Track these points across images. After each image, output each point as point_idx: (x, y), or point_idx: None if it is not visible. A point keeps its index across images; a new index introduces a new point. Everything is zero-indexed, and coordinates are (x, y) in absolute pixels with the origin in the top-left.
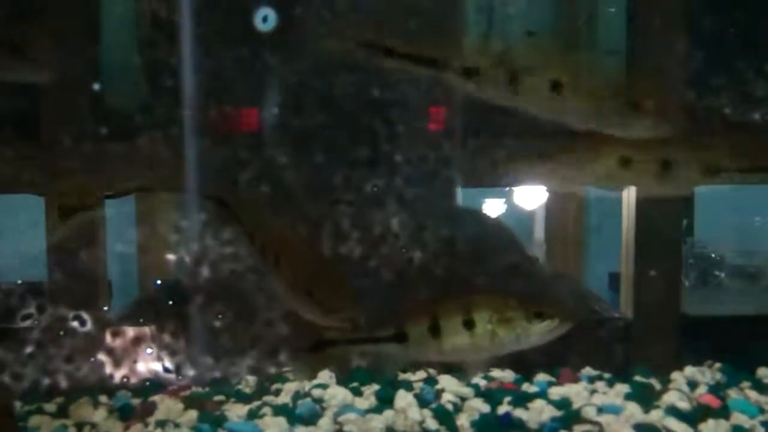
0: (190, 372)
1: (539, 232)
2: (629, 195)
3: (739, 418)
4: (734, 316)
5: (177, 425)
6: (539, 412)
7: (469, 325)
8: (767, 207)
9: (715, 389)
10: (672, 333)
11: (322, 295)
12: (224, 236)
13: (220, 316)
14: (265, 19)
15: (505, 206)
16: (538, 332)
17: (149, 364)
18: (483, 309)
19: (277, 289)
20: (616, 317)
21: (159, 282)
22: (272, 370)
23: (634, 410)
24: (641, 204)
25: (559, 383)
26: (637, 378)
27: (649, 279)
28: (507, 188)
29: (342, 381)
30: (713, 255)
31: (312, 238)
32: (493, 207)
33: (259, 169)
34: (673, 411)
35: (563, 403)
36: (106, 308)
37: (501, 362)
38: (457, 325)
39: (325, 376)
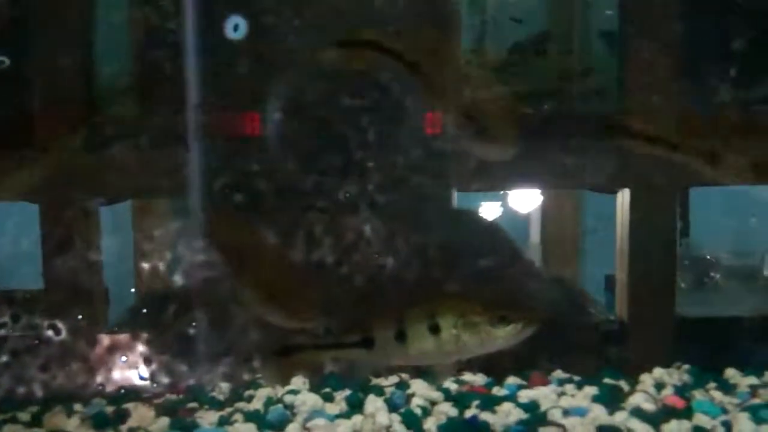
0: (166, 379)
1: (535, 234)
2: (623, 197)
3: (701, 418)
4: (728, 317)
5: None
6: (506, 415)
7: (434, 329)
8: (762, 208)
9: (681, 390)
10: (666, 334)
11: (285, 298)
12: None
13: (196, 323)
14: (236, 28)
15: (501, 209)
16: (502, 336)
17: (126, 372)
18: (448, 314)
19: (240, 294)
20: (611, 319)
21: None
22: (246, 376)
23: (599, 412)
24: (635, 206)
25: (529, 386)
26: (607, 380)
27: (644, 281)
28: (502, 191)
29: (315, 387)
30: (708, 256)
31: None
32: (488, 210)
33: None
34: (637, 412)
35: (531, 406)
36: (80, 317)
37: (471, 366)
38: (422, 330)
39: (299, 382)
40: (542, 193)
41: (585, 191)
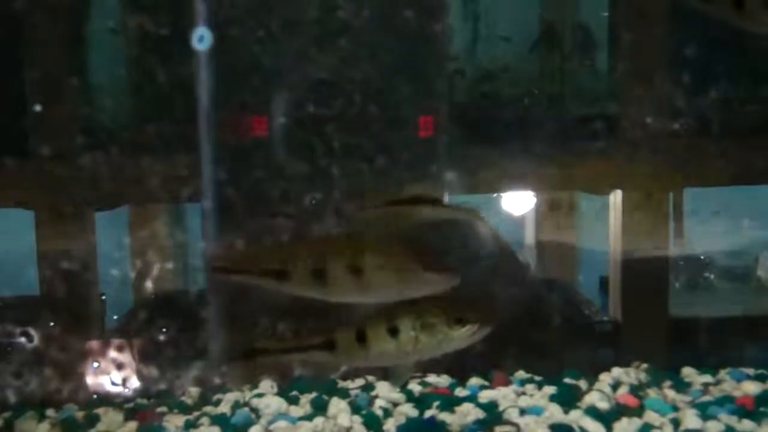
0: (138, 385)
1: (529, 237)
2: (616, 198)
3: (651, 416)
4: (720, 317)
5: None
6: (465, 415)
7: (393, 332)
8: (756, 208)
9: (636, 389)
10: (660, 335)
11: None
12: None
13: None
14: (201, 39)
15: (495, 211)
16: (459, 337)
17: (101, 377)
18: (406, 316)
19: None
20: (605, 320)
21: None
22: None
23: (554, 411)
24: (627, 207)
25: (491, 387)
26: (566, 380)
27: (637, 282)
28: (495, 194)
29: (282, 390)
30: (702, 257)
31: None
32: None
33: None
34: (591, 411)
35: (489, 406)
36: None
37: (436, 367)
38: (382, 333)
39: (267, 386)
40: (536, 195)
41: (578, 193)
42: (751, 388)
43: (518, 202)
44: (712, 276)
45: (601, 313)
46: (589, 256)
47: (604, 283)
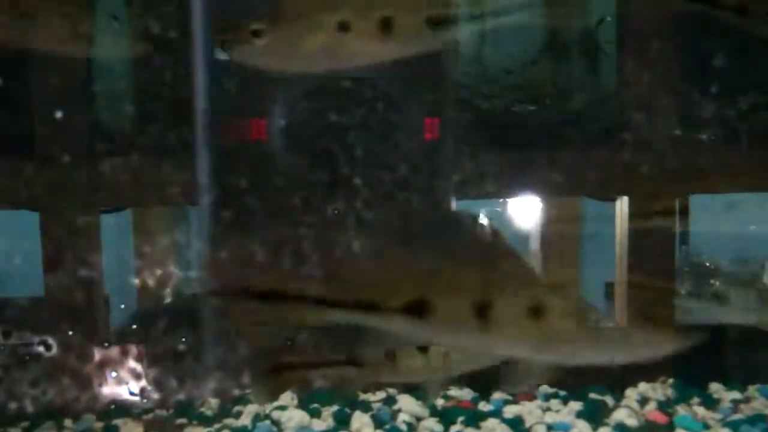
0: (156, 395)
1: (534, 242)
2: (622, 204)
3: None
4: (725, 325)
5: None
6: (491, 430)
7: (422, 348)
8: (762, 215)
9: (664, 405)
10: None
11: None
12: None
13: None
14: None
15: (500, 216)
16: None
17: (116, 386)
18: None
19: None
20: (611, 327)
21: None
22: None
23: (583, 428)
24: (634, 213)
25: (514, 401)
26: (592, 395)
27: (642, 288)
28: (501, 199)
29: (302, 403)
30: (708, 263)
31: None
32: (487, 216)
33: None
34: (621, 428)
35: (515, 422)
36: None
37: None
38: (410, 349)
39: (287, 398)
40: (541, 201)
41: (584, 199)
42: None
43: (522, 207)
44: (717, 283)
45: (605, 320)
46: (595, 262)
47: (609, 289)
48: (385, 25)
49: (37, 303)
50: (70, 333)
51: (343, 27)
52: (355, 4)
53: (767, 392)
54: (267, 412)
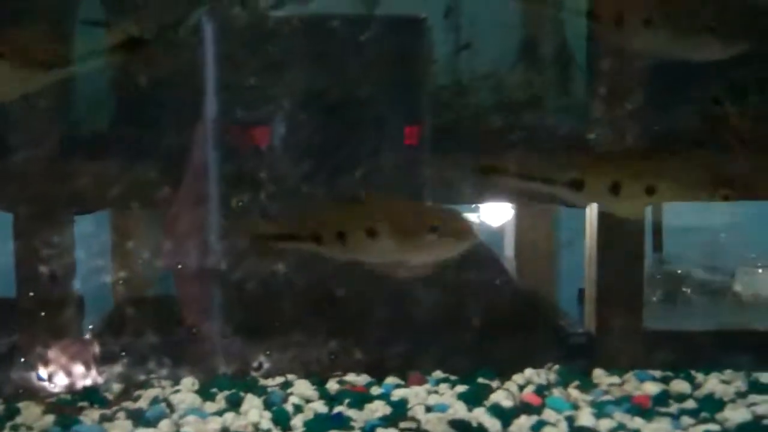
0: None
1: (509, 248)
2: (591, 211)
3: (549, 414)
4: (694, 331)
5: (30, 428)
6: (372, 411)
7: (371, 233)
8: (734, 223)
9: (542, 389)
10: (633, 347)
11: None
12: None
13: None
14: None
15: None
16: (436, 246)
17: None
18: (385, 218)
19: None
20: (580, 332)
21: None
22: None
23: (460, 408)
24: (603, 220)
25: (406, 386)
26: (480, 380)
27: (611, 294)
28: (474, 204)
29: (203, 387)
30: (680, 271)
31: None
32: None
33: None
34: (494, 409)
35: (399, 403)
36: None
37: (357, 367)
38: (360, 234)
39: (188, 383)
40: (514, 207)
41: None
42: (652, 388)
43: (497, 213)
44: (689, 290)
45: (577, 325)
46: (570, 268)
47: (582, 295)
48: None
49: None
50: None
51: None
52: None
53: (642, 377)
54: (166, 395)
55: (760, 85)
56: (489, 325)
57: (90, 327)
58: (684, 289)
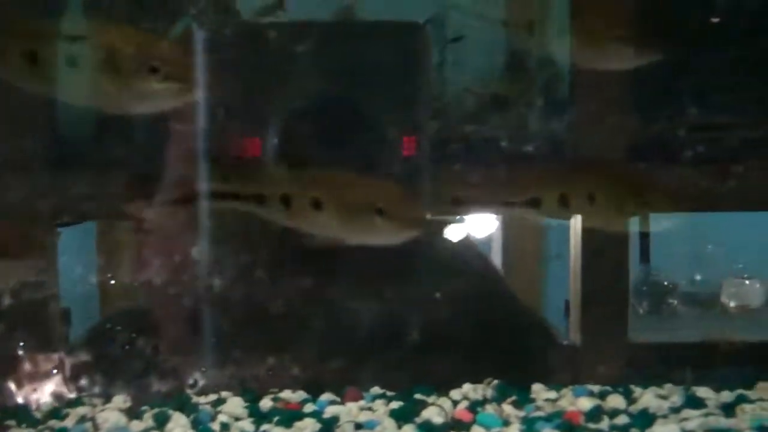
0: None
1: (495, 259)
2: (576, 223)
3: (477, 430)
4: (678, 342)
5: None
6: (301, 429)
7: (317, 204)
8: (720, 235)
9: (475, 405)
10: (616, 359)
11: None
12: None
13: None
14: None
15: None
16: (380, 229)
17: None
18: (333, 190)
19: None
20: (564, 343)
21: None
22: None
23: (389, 425)
24: (587, 232)
25: (341, 402)
26: (417, 396)
27: (596, 306)
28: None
29: (134, 406)
30: (666, 283)
31: None
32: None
33: None
34: (425, 425)
35: (329, 421)
36: None
37: (294, 383)
38: (304, 202)
39: (119, 401)
40: (500, 218)
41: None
42: (586, 404)
43: (483, 224)
44: (675, 302)
45: (562, 337)
46: (556, 280)
47: (568, 307)
48: None
49: None
50: None
51: None
52: None
53: (579, 392)
54: (93, 414)
55: (697, 97)
56: (429, 342)
57: (21, 344)
58: (671, 301)
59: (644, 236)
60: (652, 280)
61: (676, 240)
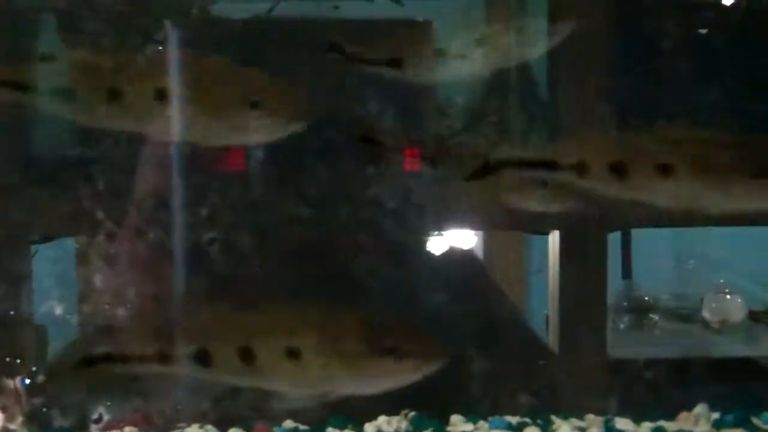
0: None
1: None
2: (554, 237)
3: None
4: (656, 358)
5: None
6: None
7: (293, 353)
8: (701, 250)
9: None
10: (594, 375)
11: None
12: None
13: None
14: None
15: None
16: (390, 372)
17: None
18: (313, 334)
19: None
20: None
21: None
22: None
23: None
24: (565, 245)
25: None
26: (329, 429)
27: (573, 320)
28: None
29: None
30: (647, 298)
31: None
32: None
33: None
34: None
35: None
36: None
37: (203, 418)
38: (277, 352)
39: None
40: (481, 234)
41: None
42: None
43: (466, 239)
44: (656, 317)
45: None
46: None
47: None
48: None
49: None
50: None
51: None
52: None
53: (497, 424)
54: None
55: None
56: None
57: None
58: (652, 316)
59: (626, 251)
60: (633, 296)
61: (658, 254)
